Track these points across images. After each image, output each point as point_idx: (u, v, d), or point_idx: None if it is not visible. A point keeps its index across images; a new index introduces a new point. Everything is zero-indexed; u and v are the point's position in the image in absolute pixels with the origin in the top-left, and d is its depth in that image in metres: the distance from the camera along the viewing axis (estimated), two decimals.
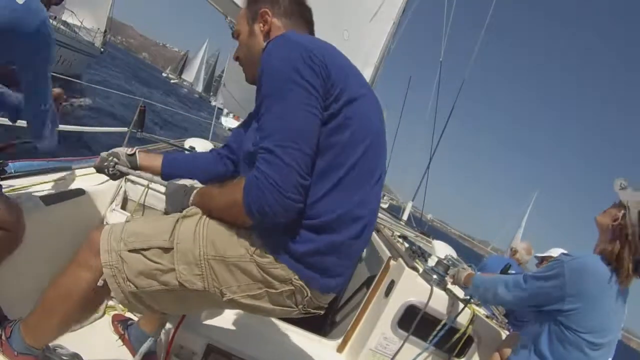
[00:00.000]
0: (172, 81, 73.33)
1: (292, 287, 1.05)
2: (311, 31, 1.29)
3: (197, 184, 1.25)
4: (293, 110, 0.97)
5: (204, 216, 1.11)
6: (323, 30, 1.37)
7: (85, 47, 19.29)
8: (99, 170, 1.43)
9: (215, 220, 1.10)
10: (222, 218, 1.09)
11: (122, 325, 1.72)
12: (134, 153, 1.44)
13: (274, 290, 1.05)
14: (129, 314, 1.83)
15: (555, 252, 3.47)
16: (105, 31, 21.77)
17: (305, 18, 1.27)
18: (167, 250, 1.08)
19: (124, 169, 1.41)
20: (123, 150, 1.44)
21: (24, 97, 1.32)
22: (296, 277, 1.04)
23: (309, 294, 1.07)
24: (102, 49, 21.63)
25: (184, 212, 1.14)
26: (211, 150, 1.55)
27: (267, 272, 1.04)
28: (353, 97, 1.04)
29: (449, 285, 2.14)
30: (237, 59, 1.29)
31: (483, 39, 6.16)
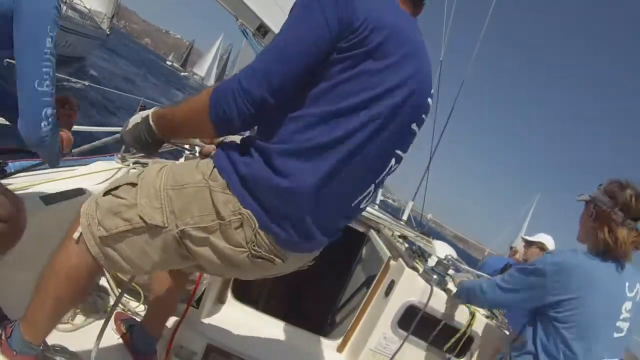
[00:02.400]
0: (182, 73, 72.16)
1: (240, 217, 1.01)
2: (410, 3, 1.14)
3: (143, 112, 1.18)
4: (294, 39, 0.97)
5: (173, 162, 1.14)
6: None
7: (92, 32, 19.48)
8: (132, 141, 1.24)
9: (182, 161, 1.12)
10: (184, 126, 1.09)
11: (125, 324, 1.72)
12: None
13: (223, 222, 1.02)
14: (132, 314, 1.84)
15: (543, 237, 3.48)
16: (113, 16, 22.09)
17: None
18: (133, 185, 1.10)
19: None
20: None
21: (17, 72, 1.16)
22: (242, 205, 1.01)
23: (256, 226, 1.01)
24: (108, 33, 21.95)
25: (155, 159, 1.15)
26: None
27: (217, 198, 1.02)
28: (379, 58, 0.99)
29: (449, 285, 2.15)
30: None
31: (484, 38, 6.16)
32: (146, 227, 1.06)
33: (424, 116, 1.16)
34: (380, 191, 1.36)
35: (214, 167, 1.04)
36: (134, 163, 2.29)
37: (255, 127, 1.08)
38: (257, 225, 1.01)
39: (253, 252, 1.04)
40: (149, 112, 1.14)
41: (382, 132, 1.04)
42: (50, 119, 1.19)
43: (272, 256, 1.07)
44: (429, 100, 1.15)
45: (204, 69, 79.62)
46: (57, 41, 1.22)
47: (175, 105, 1.12)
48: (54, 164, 1.41)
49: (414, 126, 1.13)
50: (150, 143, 1.14)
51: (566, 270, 1.59)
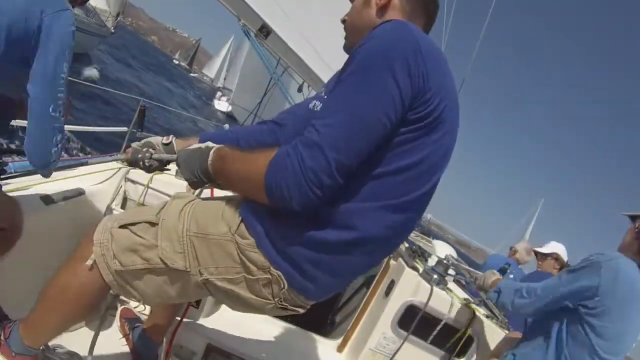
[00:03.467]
0: (191, 74, 71.60)
1: (269, 276, 0.99)
2: (427, 26, 1.14)
3: (211, 144, 1.09)
4: (365, 111, 0.86)
5: (195, 200, 1.11)
6: (325, 35, 1.36)
7: (96, 29, 19.62)
8: (133, 163, 1.28)
9: (206, 202, 1.10)
10: (239, 186, 1.01)
11: (129, 324, 1.72)
12: (171, 141, 1.30)
13: (251, 277, 1.00)
14: (138, 312, 1.83)
15: (557, 247, 3.47)
16: (118, 14, 22.21)
17: (426, 9, 1.12)
18: (153, 224, 1.07)
19: (164, 156, 1.26)
20: (158, 140, 1.31)
21: (30, 100, 1.16)
22: (273, 266, 0.98)
23: (286, 287, 1.00)
24: (112, 31, 22.08)
25: (175, 193, 1.14)
26: (265, 121, 1.39)
27: (246, 255, 0.99)
28: (440, 127, 0.94)
29: (449, 285, 2.14)
30: (343, 22, 1.19)
31: (484, 38, 6.15)
32: (166, 269, 1.05)
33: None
34: None
35: (241, 221, 1.01)
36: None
37: None
38: (286, 285, 1.00)
39: (279, 305, 1.05)
40: (211, 148, 1.06)
41: (426, 186, 1.00)
42: (59, 145, 1.19)
43: (297, 308, 1.07)
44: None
45: (214, 71, 79.05)
46: None
47: (234, 154, 1.03)
48: (47, 176, 1.41)
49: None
50: (201, 182, 1.07)
51: (619, 277, 1.58)
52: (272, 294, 1.02)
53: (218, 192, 1.21)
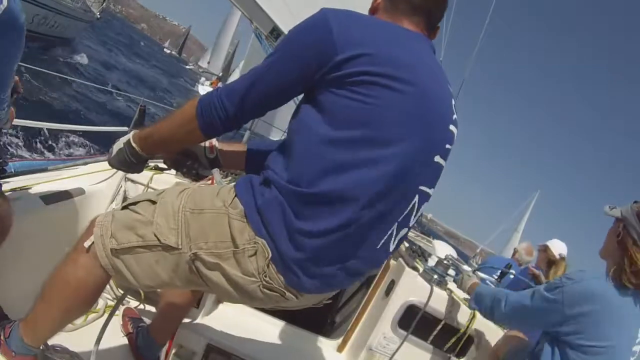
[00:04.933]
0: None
1: (255, 246, 1.00)
2: (429, 20, 1.12)
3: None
4: (265, 70, 1.03)
5: (195, 186, 1.16)
6: None
7: (81, 14, 19.56)
8: (181, 169, 1.37)
9: (204, 186, 1.16)
10: (173, 136, 1.14)
11: (132, 323, 1.72)
12: (216, 155, 1.34)
13: (237, 249, 1.01)
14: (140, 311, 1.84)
15: (556, 243, 3.48)
16: (104, 0, 22.24)
17: (411, 4, 1.10)
18: (152, 202, 1.11)
19: (207, 172, 1.33)
20: (201, 152, 1.33)
21: None
22: (257, 234, 1.00)
23: (269, 257, 1.00)
24: (98, 16, 22.05)
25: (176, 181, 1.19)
26: None
27: (234, 226, 1.02)
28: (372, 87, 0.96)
29: (449, 285, 2.14)
30: None
31: (484, 35, 6.14)
32: (159, 246, 1.06)
33: (448, 146, 1.10)
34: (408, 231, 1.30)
35: (235, 195, 1.05)
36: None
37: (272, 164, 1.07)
38: (270, 255, 1.00)
39: (265, 282, 1.03)
40: (129, 136, 1.21)
41: (403, 172, 1.00)
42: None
43: (283, 290, 1.05)
44: (452, 128, 1.10)
45: (219, 66, 78.79)
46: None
47: (157, 123, 1.19)
48: None
49: (437, 159, 1.08)
50: (135, 164, 1.22)
51: (588, 298, 1.54)
52: (257, 269, 1.02)
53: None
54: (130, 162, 1.21)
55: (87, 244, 1.10)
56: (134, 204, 1.13)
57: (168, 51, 77.58)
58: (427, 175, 1.08)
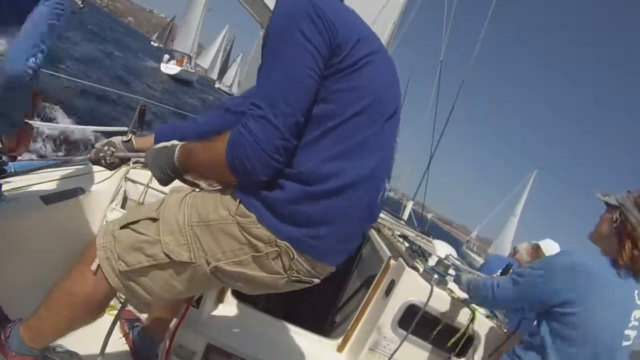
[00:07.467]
0: (152, 43, 69.31)
1: (277, 249, 1.01)
2: None
3: (176, 142, 1.17)
4: (290, 71, 0.95)
5: (193, 192, 1.13)
6: None
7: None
8: (95, 161, 1.37)
9: (203, 193, 1.12)
10: (207, 174, 1.10)
11: (128, 324, 1.72)
12: (130, 139, 1.39)
13: (258, 254, 1.01)
14: (137, 313, 1.83)
15: (548, 243, 3.50)
16: None
17: None
18: (154, 220, 1.09)
19: (122, 154, 1.36)
20: (119, 139, 1.39)
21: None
22: (278, 237, 1.00)
23: (295, 256, 1.01)
24: (81, 5, 21.52)
25: (172, 187, 1.16)
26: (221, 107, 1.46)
27: (250, 233, 1.01)
28: (361, 61, 1.01)
29: (450, 285, 2.14)
30: None
31: (484, 33, 6.15)
32: (172, 263, 1.06)
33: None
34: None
35: (239, 202, 1.03)
36: (134, 162, 2.29)
37: None
38: (294, 254, 1.01)
39: (292, 277, 1.05)
40: (176, 145, 1.12)
41: (384, 126, 1.08)
42: (38, 61, 1.08)
43: (310, 278, 1.08)
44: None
45: (208, 61, 77.92)
46: None
47: (196, 146, 1.09)
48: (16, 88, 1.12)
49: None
50: (171, 178, 1.14)
51: (575, 270, 1.55)
52: (283, 268, 1.03)
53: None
54: (167, 176, 1.13)
55: (93, 266, 1.09)
56: (134, 223, 1.11)
57: (155, 44, 76.35)
58: (395, 128, 1.15)
